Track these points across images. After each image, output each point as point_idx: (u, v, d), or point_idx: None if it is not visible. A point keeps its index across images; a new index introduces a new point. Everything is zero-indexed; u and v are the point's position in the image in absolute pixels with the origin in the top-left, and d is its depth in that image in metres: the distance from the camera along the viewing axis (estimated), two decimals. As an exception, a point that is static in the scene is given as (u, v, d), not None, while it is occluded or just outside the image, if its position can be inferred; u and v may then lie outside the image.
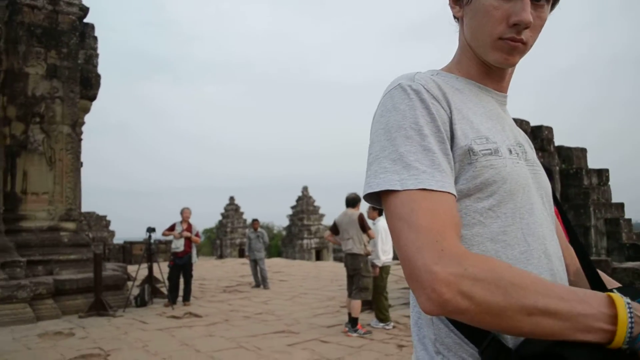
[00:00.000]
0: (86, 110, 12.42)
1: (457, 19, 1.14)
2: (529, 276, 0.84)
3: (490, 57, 1.06)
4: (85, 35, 12.32)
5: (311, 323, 8.17)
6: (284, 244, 37.86)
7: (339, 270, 15.90)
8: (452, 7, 1.14)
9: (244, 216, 38.49)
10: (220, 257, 35.15)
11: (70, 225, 11.02)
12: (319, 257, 34.46)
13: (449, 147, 0.97)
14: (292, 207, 37.76)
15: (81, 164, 11.71)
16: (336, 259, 24.24)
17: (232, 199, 39.05)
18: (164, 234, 10.77)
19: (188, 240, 10.60)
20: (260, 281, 13.16)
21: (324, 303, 10.16)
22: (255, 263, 13.37)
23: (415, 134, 0.94)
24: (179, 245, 10.51)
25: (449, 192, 0.92)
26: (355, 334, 7.28)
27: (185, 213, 10.86)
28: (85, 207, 12.48)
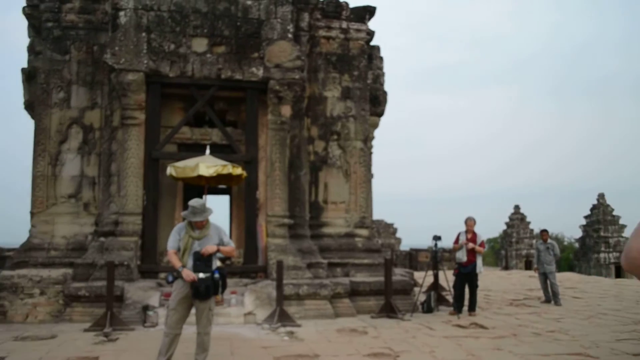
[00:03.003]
0: (375, 125, 13.47)
1: None
2: None
3: None
4: (372, 57, 13.38)
5: (613, 348, 7.28)
6: (577, 257, 34.59)
7: (647, 291, 13.86)
8: None
9: (531, 226, 36.46)
10: (505, 268, 33.93)
11: (364, 232, 12.07)
12: (619, 274, 30.47)
13: None
14: (586, 217, 34.29)
15: (372, 175, 12.72)
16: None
17: (517, 207, 37.44)
18: (453, 249, 11.10)
19: (472, 250, 10.55)
20: (551, 296, 12.28)
21: (628, 327, 8.95)
22: (544, 277, 12.54)
23: None
24: (462, 255, 10.54)
25: None
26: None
27: (469, 223, 10.82)
28: (375, 215, 13.49)
